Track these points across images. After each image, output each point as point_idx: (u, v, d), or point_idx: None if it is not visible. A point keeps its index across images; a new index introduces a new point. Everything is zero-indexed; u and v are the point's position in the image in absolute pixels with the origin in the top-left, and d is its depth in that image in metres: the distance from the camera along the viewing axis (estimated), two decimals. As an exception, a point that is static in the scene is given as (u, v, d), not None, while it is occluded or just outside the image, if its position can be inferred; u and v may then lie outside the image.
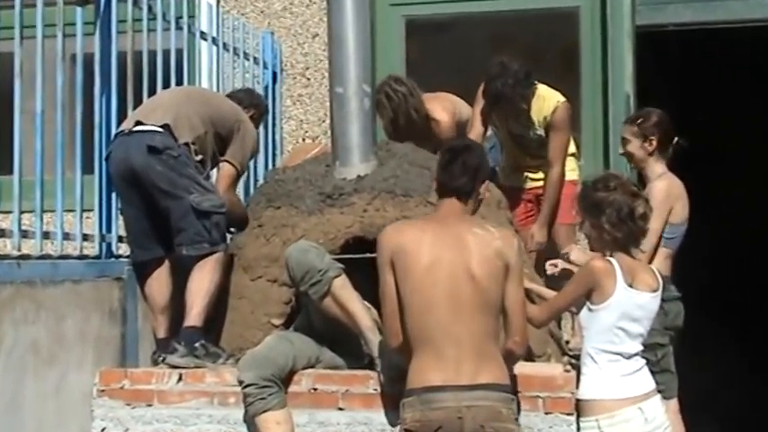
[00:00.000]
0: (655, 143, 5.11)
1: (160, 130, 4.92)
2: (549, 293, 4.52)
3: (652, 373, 4.63)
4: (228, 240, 5.18)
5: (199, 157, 5.01)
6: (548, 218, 5.80)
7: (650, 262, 4.83)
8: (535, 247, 5.74)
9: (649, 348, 4.81)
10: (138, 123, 4.98)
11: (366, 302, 4.58)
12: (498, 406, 3.83)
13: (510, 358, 4.01)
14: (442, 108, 6.11)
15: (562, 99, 5.79)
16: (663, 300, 4.85)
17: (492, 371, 3.86)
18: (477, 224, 4.08)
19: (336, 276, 4.46)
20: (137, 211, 5.02)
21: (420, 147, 5.55)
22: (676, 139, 5.18)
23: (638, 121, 5.19)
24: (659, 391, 4.48)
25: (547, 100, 5.78)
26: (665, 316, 4.96)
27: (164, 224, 4.97)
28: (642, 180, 5.23)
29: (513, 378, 4.09)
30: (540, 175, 5.94)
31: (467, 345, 3.84)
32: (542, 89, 5.81)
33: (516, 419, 3.92)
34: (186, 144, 4.95)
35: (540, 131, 5.82)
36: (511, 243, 4.01)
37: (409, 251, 3.91)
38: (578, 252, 4.92)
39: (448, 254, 3.91)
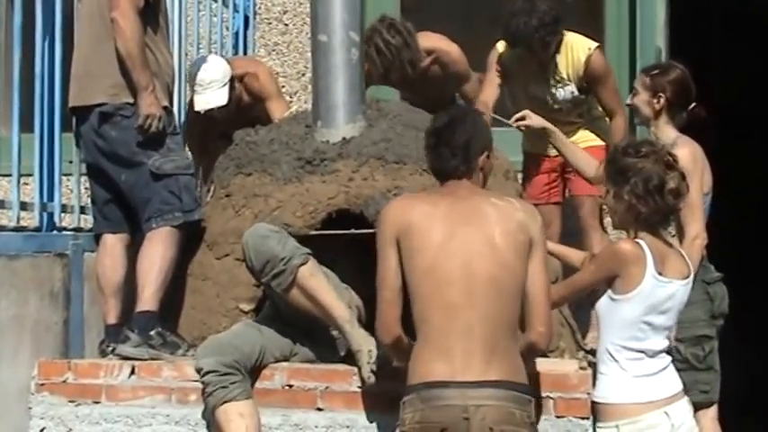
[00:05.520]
0: (663, 102, 5.10)
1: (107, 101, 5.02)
2: (576, 256, 4.50)
3: (696, 370, 4.65)
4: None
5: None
6: None
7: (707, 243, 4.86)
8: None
9: (695, 342, 4.85)
10: None
11: (344, 285, 4.60)
12: (511, 407, 3.85)
13: (532, 353, 4.02)
14: (444, 40, 6.12)
15: (593, 45, 5.84)
16: (706, 283, 4.88)
17: (505, 367, 3.88)
18: (495, 195, 4.10)
19: (302, 264, 4.47)
20: (105, 179, 5.12)
21: (418, 104, 5.56)
22: (693, 105, 5.17)
23: (653, 72, 5.20)
24: (703, 392, 4.51)
25: (576, 49, 5.81)
26: (710, 302, 4.98)
27: (130, 199, 5.08)
28: None
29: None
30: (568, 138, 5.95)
31: (478, 334, 3.86)
32: (570, 37, 5.84)
33: (532, 424, 3.94)
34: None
35: (572, 87, 5.86)
36: (534, 216, 4.05)
37: (420, 229, 3.94)
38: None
39: (465, 228, 3.94)
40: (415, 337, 3.96)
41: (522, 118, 5.31)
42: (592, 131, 5.98)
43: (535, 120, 5.30)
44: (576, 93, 5.87)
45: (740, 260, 5.30)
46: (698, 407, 4.69)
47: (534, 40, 5.67)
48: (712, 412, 4.99)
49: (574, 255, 4.62)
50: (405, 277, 3.96)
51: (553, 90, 5.88)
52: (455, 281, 3.89)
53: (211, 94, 5.97)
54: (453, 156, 4.06)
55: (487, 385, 3.83)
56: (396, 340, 4.00)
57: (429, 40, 6.10)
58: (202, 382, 4.42)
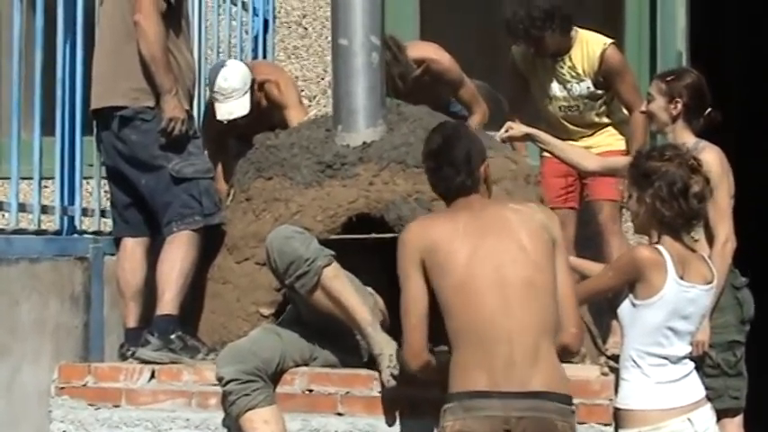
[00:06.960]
0: (680, 107, 5.07)
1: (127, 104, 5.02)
2: (597, 269, 4.49)
3: (727, 376, 4.62)
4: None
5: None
6: None
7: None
8: None
9: (727, 348, 4.82)
10: None
11: (369, 289, 4.58)
12: (554, 418, 3.83)
13: (565, 354, 4.00)
14: (434, 49, 6.14)
15: (609, 40, 5.91)
16: (735, 288, 4.86)
17: (549, 376, 3.85)
18: (510, 200, 4.13)
19: (326, 265, 4.44)
20: (125, 183, 5.13)
21: None
22: (709, 110, 5.14)
23: (668, 78, 5.18)
24: (734, 398, 4.47)
25: (591, 44, 5.89)
26: (739, 307, 4.94)
27: (150, 203, 5.08)
28: None
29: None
30: (585, 143, 5.94)
31: (519, 341, 3.83)
32: (584, 34, 5.92)
33: None
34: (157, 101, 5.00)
35: (588, 83, 5.90)
36: (552, 217, 4.09)
37: (445, 246, 3.93)
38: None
39: (489, 239, 3.93)
40: (446, 345, 3.95)
41: (507, 131, 5.32)
42: (613, 135, 5.98)
43: (516, 129, 5.31)
44: (593, 88, 5.92)
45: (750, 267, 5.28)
46: (726, 413, 4.67)
47: (519, 31, 5.79)
48: (738, 419, 4.95)
49: (594, 267, 4.60)
50: (434, 296, 3.94)
51: (569, 86, 5.93)
52: (488, 291, 3.87)
53: (233, 104, 5.93)
54: (458, 173, 4.04)
55: (530, 396, 3.81)
56: (424, 365, 4.00)
57: (419, 50, 6.11)
58: (224, 392, 4.41)
